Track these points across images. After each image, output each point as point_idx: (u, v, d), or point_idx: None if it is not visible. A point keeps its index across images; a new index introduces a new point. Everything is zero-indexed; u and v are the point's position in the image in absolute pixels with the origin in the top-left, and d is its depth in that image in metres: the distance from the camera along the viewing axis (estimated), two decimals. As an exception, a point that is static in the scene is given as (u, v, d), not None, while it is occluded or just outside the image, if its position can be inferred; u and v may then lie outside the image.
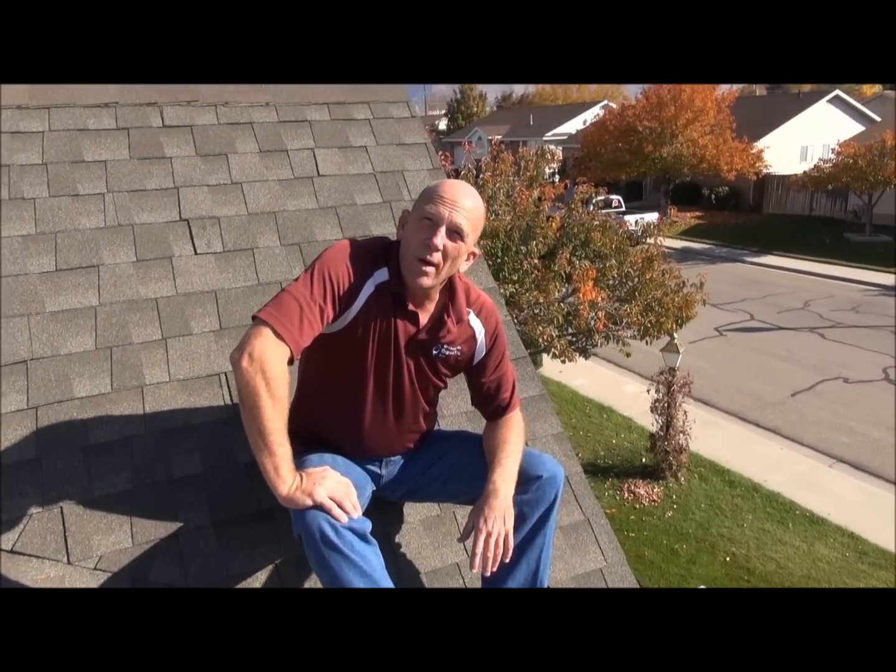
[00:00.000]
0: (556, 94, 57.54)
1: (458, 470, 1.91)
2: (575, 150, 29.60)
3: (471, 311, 1.85)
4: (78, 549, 1.84)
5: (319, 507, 1.52)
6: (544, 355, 10.83)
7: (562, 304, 9.07)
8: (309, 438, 1.89)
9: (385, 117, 3.04)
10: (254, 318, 1.59)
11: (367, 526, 1.62)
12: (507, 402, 1.93)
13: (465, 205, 1.68)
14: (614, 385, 12.11)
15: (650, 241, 9.96)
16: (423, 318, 1.79)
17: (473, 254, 1.81)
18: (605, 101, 38.98)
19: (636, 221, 11.83)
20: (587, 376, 12.40)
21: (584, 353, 9.73)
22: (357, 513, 1.57)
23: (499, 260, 9.38)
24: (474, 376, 1.93)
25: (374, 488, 1.93)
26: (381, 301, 1.72)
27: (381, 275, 1.73)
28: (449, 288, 1.81)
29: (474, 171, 9.69)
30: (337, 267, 1.67)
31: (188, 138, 2.67)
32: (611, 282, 9.46)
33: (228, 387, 2.20)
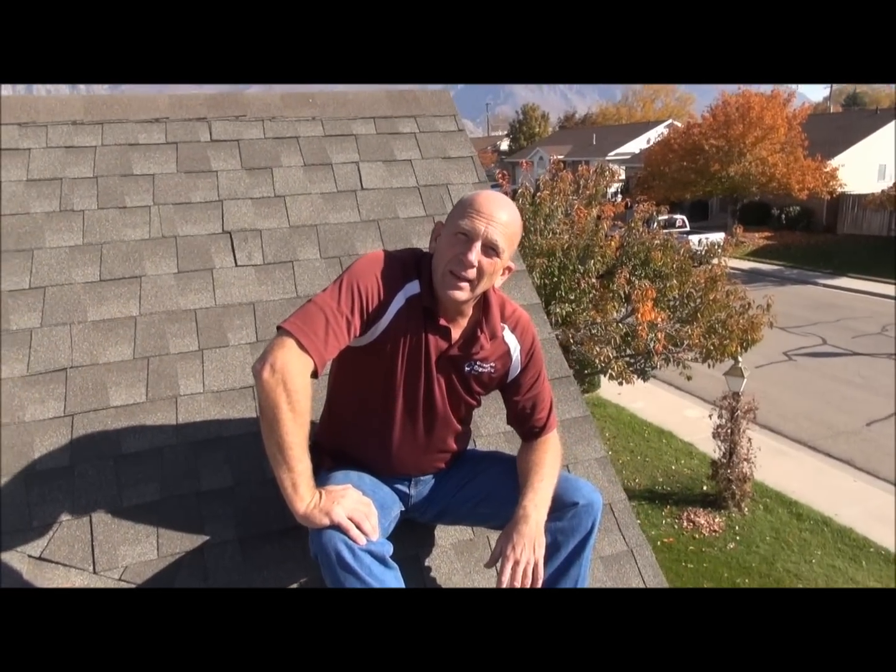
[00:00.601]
0: (620, 113, 56.99)
1: (491, 493, 1.82)
2: (638, 169, 29.17)
3: (506, 326, 1.77)
4: (104, 559, 1.83)
5: (337, 527, 1.46)
6: (602, 376, 10.63)
7: (620, 325, 8.84)
8: (337, 454, 1.84)
9: (431, 131, 3.01)
10: (278, 328, 1.55)
11: (388, 549, 1.55)
12: (543, 423, 1.83)
13: (502, 219, 1.61)
14: (675, 409, 11.71)
15: (714, 260, 9.65)
16: (456, 334, 1.72)
17: (509, 268, 1.74)
18: (671, 120, 38.35)
19: (699, 241, 11.50)
20: (647, 399, 12.05)
21: (643, 375, 9.47)
22: (376, 535, 1.50)
23: (555, 279, 9.25)
24: (509, 394, 1.84)
25: (403, 509, 1.86)
26: (411, 315, 1.66)
27: (412, 288, 1.67)
28: (483, 303, 1.74)
29: (532, 190, 9.60)
30: (366, 278, 1.62)
31: (234, 152, 2.70)
32: (671, 302, 9.19)
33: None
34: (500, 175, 11.27)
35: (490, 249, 1.61)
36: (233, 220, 2.52)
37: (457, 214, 1.64)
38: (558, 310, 9.11)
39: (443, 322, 1.68)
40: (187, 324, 2.26)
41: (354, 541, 1.45)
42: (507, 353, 1.78)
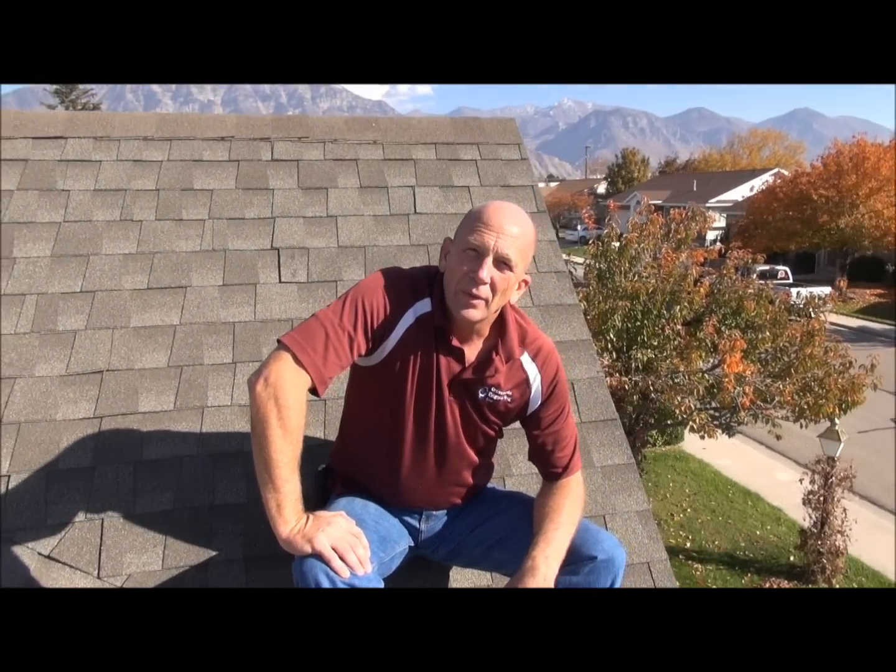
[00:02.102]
0: (724, 160, 55.44)
1: (506, 536, 1.68)
2: (739, 217, 28.14)
3: (525, 352, 1.65)
4: (109, 565, 1.81)
5: (319, 555, 1.36)
6: (685, 430, 10.11)
7: (705, 375, 8.39)
8: (348, 480, 1.76)
9: (493, 158, 2.95)
10: (278, 341, 1.50)
11: (374, 586, 1.42)
12: (565, 464, 1.67)
13: (512, 231, 1.50)
14: (764, 469, 10.97)
15: (813, 315, 9.05)
16: (470, 356, 1.61)
17: (525, 282, 1.63)
18: (777, 169, 36.93)
19: (797, 293, 10.86)
20: (734, 456, 11.37)
21: (728, 431, 8.93)
22: (363, 569, 1.38)
23: (638, 323, 8.95)
24: (528, 428, 1.71)
25: (412, 544, 1.74)
26: (421, 334, 1.57)
27: (423, 306, 1.58)
28: (499, 323, 1.63)
29: (618, 231, 9.38)
30: (372, 295, 1.54)
31: (293, 171, 2.73)
32: (763, 355, 8.67)
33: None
34: (586, 215, 11.10)
35: (502, 264, 1.51)
36: (283, 237, 2.53)
37: (465, 229, 1.55)
38: (639, 355, 8.78)
39: (455, 342, 1.58)
40: (224, 336, 2.26)
41: (336, 572, 1.35)
42: (526, 382, 1.65)
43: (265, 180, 2.68)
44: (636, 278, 9.04)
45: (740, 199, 33.38)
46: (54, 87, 39.69)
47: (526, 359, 1.65)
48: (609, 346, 8.97)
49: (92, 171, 2.57)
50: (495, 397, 1.63)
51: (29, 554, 1.79)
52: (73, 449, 1.97)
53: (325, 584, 1.34)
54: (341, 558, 1.36)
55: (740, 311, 8.89)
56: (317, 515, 1.43)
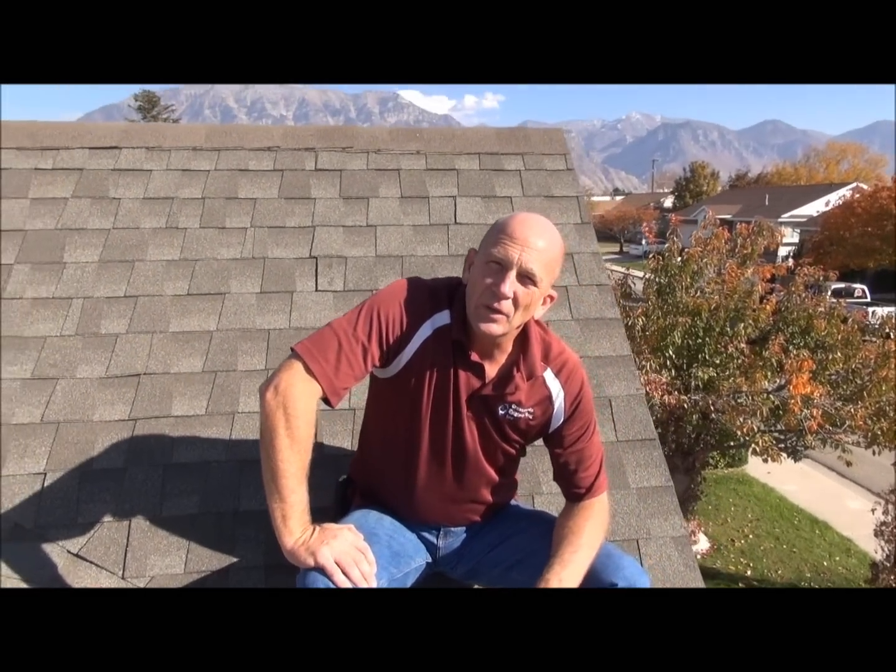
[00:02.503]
0: (799, 174, 53.43)
1: (526, 557, 1.61)
2: (814, 233, 27.03)
3: (548, 368, 1.59)
4: (134, 566, 1.83)
5: (321, 569, 1.33)
6: (749, 452, 9.70)
7: (770, 396, 8.04)
8: (366, 493, 1.73)
9: (537, 169, 2.90)
10: (291, 349, 1.49)
11: None
12: (588, 485, 1.60)
13: (538, 245, 1.45)
14: (834, 497, 10.41)
15: (891, 335, 8.57)
16: (491, 372, 1.56)
17: (551, 297, 1.57)
18: (856, 183, 35.33)
19: (873, 312, 10.31)
20: (801, 482, 10.85)
21: (794, 455, 8.53)
22: (367, 584, 1.35)
23: (699, 340, 8.67)
24: (551, 446, 1.64)
25: (430, 560, 1.70)
26: (439, 347, 1.52)
27: (442, 318, 1.54)
28: (522, 339, 1.57)
29: (680, 245, 9.12)
30: (388, 305, 1.52)
31: (335, 181, 2.74)
32: (833, 377, 8.25)
33: (316, 425, 2.13)
34: (645, 228, 10.84)
35: (526, 279, 1.45)
36: (322, 245, 2.54)
37: (489, 241, 1.50)
38: (700, 373, 8.50)
39: (475, 357, 1.53)
40: (259, 343, 2.28)
41: (338, 587, 1.32)
42: (549, 399, 1.58)
43: (307, 190, 2.71)
44: (698, 294, 8.77)
45: (815, 214, 32.08)
46: (137, 103, 41.72)
47: (549, 375, 1.59)
48: (668, 363, 8.72)
49: (142, 179, 2.65)
50: (516, 415, 1.57)
51: (58, 551, 1.83)
52: (106, 450, 2.01)
53: (327, 598, 1.31)
54: (345, 573, 1.33)
55: (809, 329, 8.52)
56: (324, 528, 1.41)
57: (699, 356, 8.71)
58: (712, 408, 8.32)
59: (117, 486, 1.95)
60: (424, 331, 1.52)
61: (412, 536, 1.67)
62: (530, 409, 1.57)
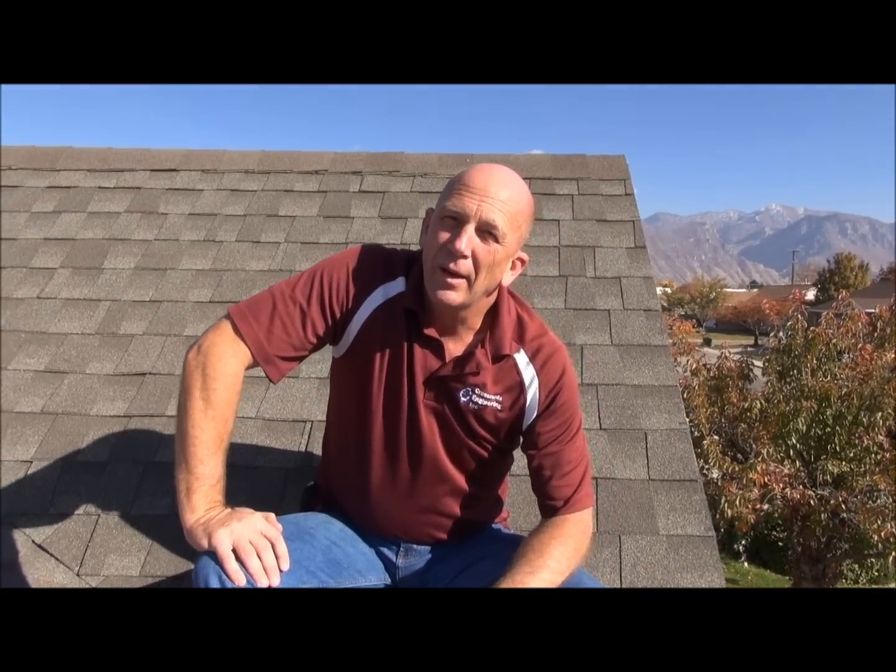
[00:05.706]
0: (966, 267, 48.50)
1: (491, 585, 1.33)
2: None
3: (522, 350, 1.34)
4: (90, 563, 1.71)
5: (214, 553, 1.13)
6: (891, 563, 8.37)
7: (915, 498, 6.99)
8: (329, 500, 1.52)
9: (592, 193, 2.70)
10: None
11: None
12: (565, 498, 1.30)
13: (500, 195, 1.24)
14: None
15: None
16: (455, 352, 1.34)
17: (521, 260, 1.34)
18: None
19: None
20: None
21: (947, 571, 7.26)
22: (268, 580, 1.13)
23: (828, 429, 7.75)
24: (525, 448, 1.37)
25: (389, 582, 1.45)
26: (390, 319, 1.33)
27: (396, 286, 1.35)
28: (492, 313, 1.35)
29: (805, 325, 8.34)
30: (335, 268, 1.35)
31: (377, 202, 2.69)
32: None
33: (309, 436, 1.97)
34: (767, 306, 10.02)
35: (486, 233, 1.24)
36: (351, 261, 2.46)
37: (445, 194, 1.31)
38: (830, 466, 7.54)
39: (432, 332, 1.31)
40: (268, 351, 2.18)
41: (229, 577, 1.11)
42: (520, 387, 1.33)
43: (348, 209, 2.66)
44: (827, 377, 7.91)
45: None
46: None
47: (522, 358, 1.34)
48: (791, 452, 7.84)
49: (192, 198, 2.72)
50: (480, 402, 1.33)
51: (23, 540, 1.75)
52: (94, 444, 1.95)
53: (215, 587, 1.11)
54: (242, 561, 1.12)
55: (964, 423, 7.40)
56: (235, 510, 1.21)
57: (828, 447, 7.78)
58: (844, 506, 7.33)
59: (95, 480, 1.87)
60: (375, 299, 1.34)
61: (367, 550, 1.43)
62: (497, 397, 1.32)
